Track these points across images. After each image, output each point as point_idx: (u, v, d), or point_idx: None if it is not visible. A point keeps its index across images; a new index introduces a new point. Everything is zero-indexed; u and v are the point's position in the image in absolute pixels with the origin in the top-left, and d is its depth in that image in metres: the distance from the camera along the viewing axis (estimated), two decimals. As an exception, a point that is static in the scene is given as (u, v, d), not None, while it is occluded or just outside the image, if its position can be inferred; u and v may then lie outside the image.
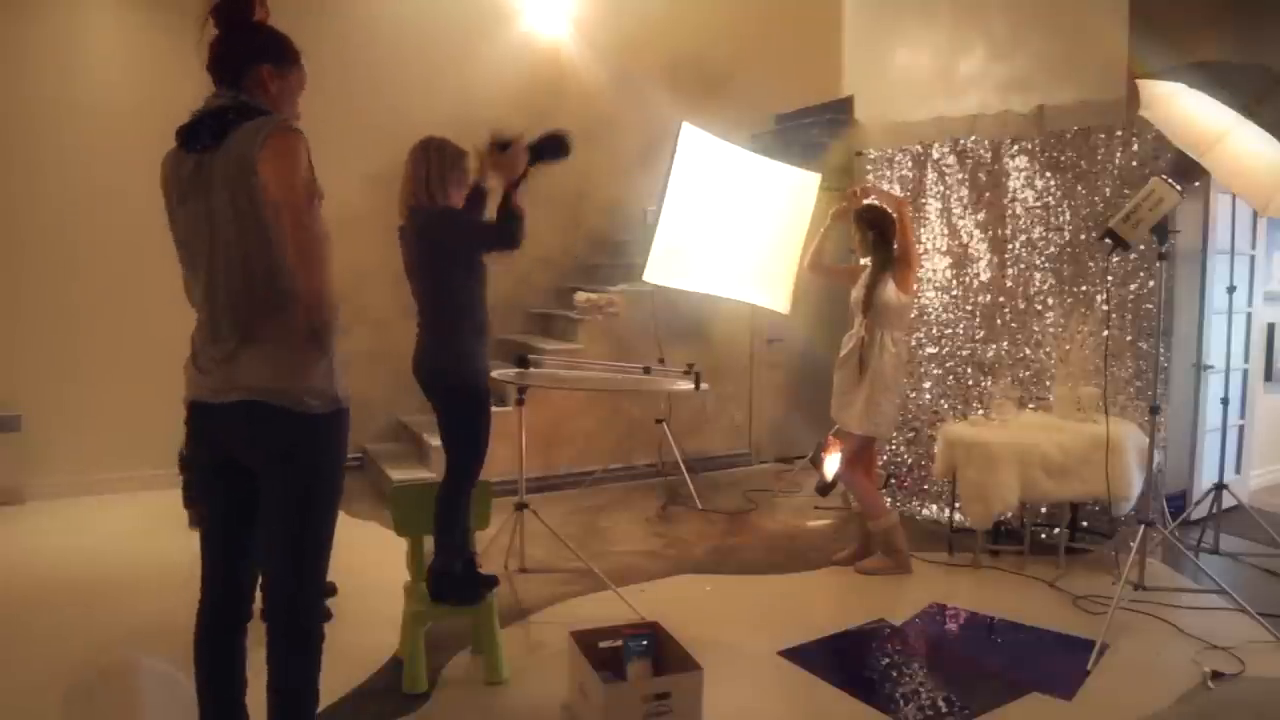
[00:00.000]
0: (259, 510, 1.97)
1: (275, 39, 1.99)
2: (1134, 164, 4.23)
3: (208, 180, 1.88)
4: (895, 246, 4.05)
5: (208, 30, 1.93)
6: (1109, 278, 4.30)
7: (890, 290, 3.98)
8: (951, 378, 4.84)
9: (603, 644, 2.72)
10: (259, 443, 1.91)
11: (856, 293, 4.12)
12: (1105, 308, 4.30)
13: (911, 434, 4.93)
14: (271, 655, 1.97)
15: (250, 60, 1.93)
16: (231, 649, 2.06)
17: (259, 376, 1.86)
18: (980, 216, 4.73)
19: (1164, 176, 3.32)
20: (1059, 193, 4.48)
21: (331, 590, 3.59)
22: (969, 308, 4.78)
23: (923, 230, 4.92)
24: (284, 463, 1.91)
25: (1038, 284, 4.56)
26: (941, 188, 4.87)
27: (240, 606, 2.05)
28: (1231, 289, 4.56)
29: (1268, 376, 5.58)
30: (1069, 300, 4.46)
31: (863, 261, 4.16)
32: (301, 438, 1.90)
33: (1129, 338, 4.27)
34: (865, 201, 4.16)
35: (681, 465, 5.37)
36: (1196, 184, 4.28)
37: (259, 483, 1.95)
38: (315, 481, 1.94)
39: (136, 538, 4.43)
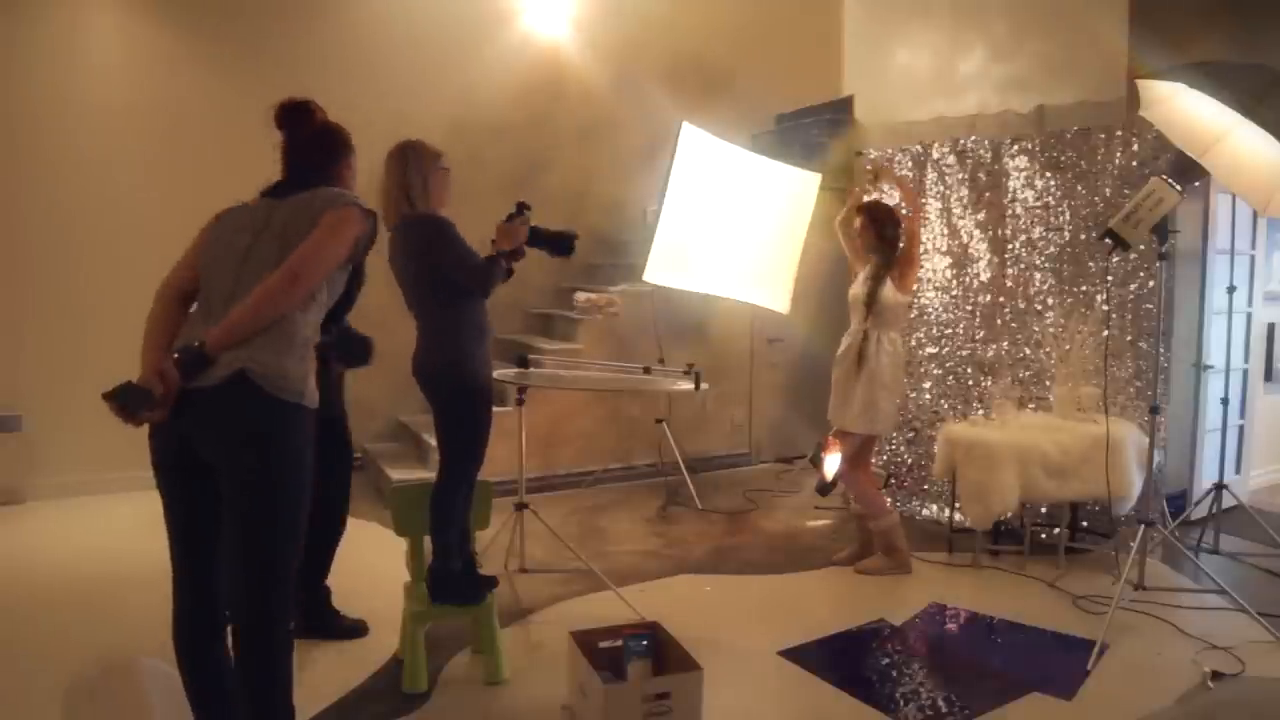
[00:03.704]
0: (224, 513, 1.96)
1: (342, 135, 2.42)
2: (1134, 164, 4.23)
3: (265, 219, 2.08)
4: (901, 245, 4.05)
5: (273, 131, 2.27)
6: (1109, 278, 4.30)
7: (890, 289, 3.98)
8: (951, 378, 4.84)
9: (603, 644, 2.71)
10: (228, 426, 1.91)
11: (856, 289, 4.12)
12: (1105, 308, 4.31)
13: (911, 434, 4.94)
14: (237, 661, 1.95)
15: (335, 160, 2.38)
16: (212, 655, 2.05)
17: (238, 356, 1.89)
18: (980, 216, 4.74)
19: (1164, 176, 3.32)
20: (1059, 193, 4.48)
21: (363, 630, 3.40)
22: (969, 308, 4.78)
23: (923, 230, 4.92)
24: (249, 447, 1.91)
25: (1038, 284, 4.56)
26: (941, 188, 4.87)
27: (215, 613, 2.03)
28: (1231, 289, 4.56)
29: (1268, 376, 5.58)
30: (1069, 300, 4.46)
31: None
32: (270, 421, 1.91)
33: (1129, 338, 4.27)
34: (869, 198, 4.16)
35: (681, 465, 5.37)
36: (1196, 184, 4.27)
37: (221, 479, 1.94)
38: (278, 472, 1.93)
39: (137, 538, 4.41)
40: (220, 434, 1.92)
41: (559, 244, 3.16)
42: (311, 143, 2.32)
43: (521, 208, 3.11)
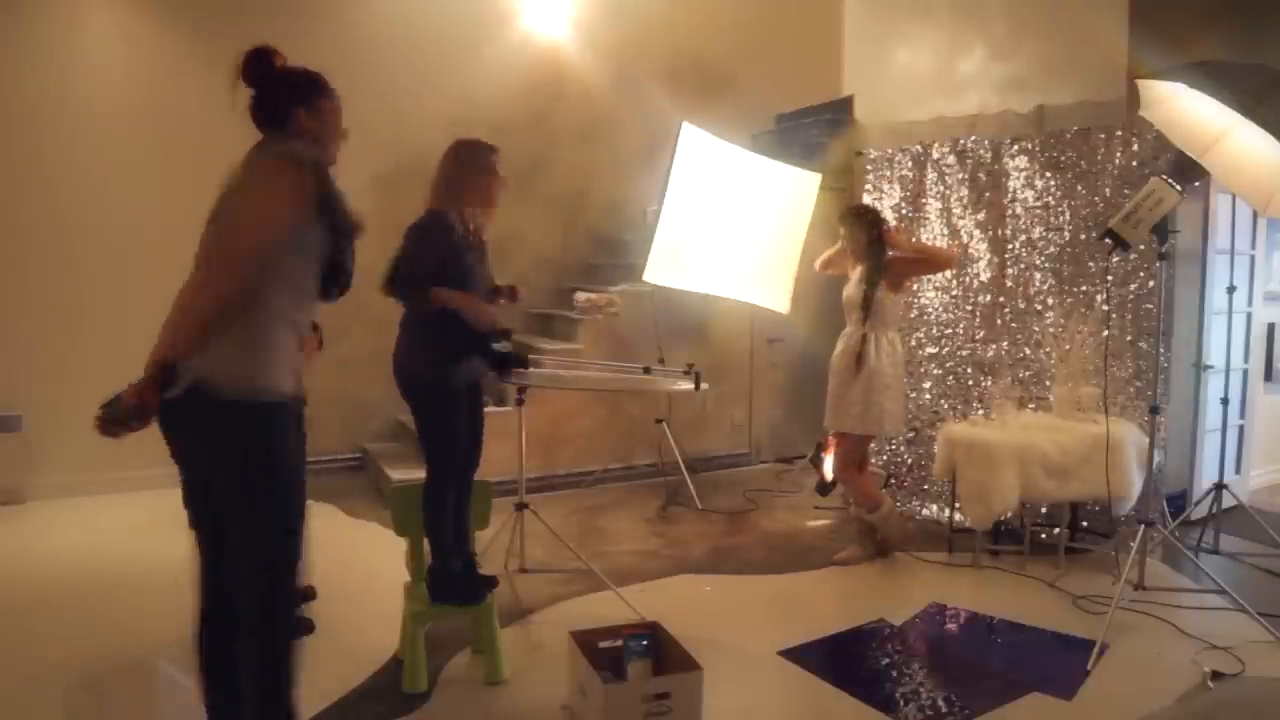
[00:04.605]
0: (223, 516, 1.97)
1: (300, 81, 2.12)
2: (1134, 164, 4.23)
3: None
4: (892, 251, 4.10)
5: (240, 88, 2.05)
6: (1109, 278, 4.30)
7: (884, 290, 4.01)
8: (951, 378, 4.84)
9: (603, 644, 2.71)
10: (197, 437, 1.93)
11: (850, 291, 4.14)
12: (1105, 308, 4.30)
13: (911, 434, 4.93)
14: (241, 659, 1.97)
15: (285, 108, 2.08)
16: (229, 655, 2.06)
17: (194, 367, 1.88)
18: (980, 216, 4.73)
19: (1164, 176, 3.32)
20: (1059, 193, 4.48)
21: (310, 594, 3.35)
22: (969, 308, 4.78)
23: (922, 230, 4.93)
24: (222, 454, 1.92)
25: (1038, 284, 4.56)
26: (941, 188, 4.87)
27: (231, 611, 2.04)
28: (1231, 289, 4.56)
29: (1268, 376, 5.58)
30: (1069, 300, 4.46)
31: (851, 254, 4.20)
32: (235, 426, 1.90)
33: (1129, 338, 4.27)
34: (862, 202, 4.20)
35: (681, 465, 5.37)
36: (1196, 184, 4.27)
37: (212, 484, 1.95)
38: (256, 474, 1.92)
39: (137, 538, 4.43)
40: (194, 444, 1.94)
41: (503, 365, 3.12)
42: (267, 90, 2.10)
43: (515, 292, 3.15)
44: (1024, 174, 4.58)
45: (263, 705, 1.95)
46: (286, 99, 2.08)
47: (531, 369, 4.10)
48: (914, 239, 4.76)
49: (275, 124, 2.07)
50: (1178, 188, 3.26)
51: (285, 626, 1.98)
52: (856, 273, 4.14)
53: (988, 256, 4.71)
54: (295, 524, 2.00)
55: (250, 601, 1.95)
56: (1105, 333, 4.28)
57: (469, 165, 3.03)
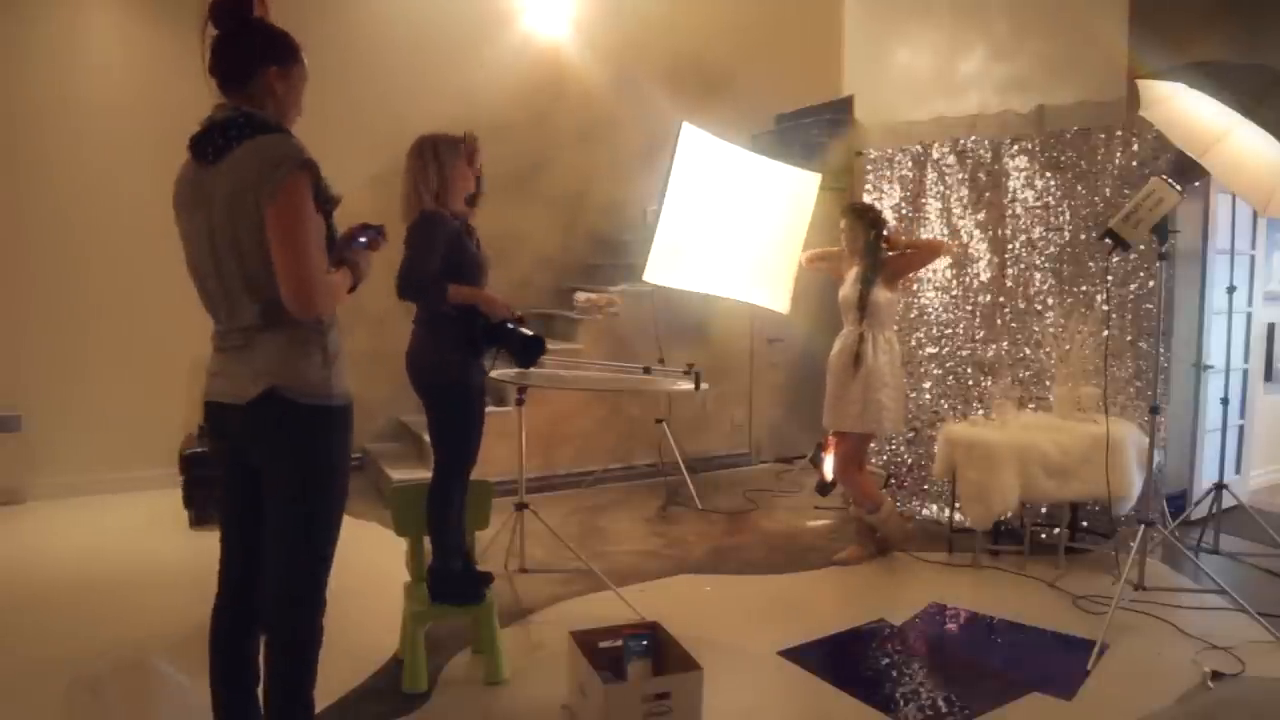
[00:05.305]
0: (266, 511, 2.00)
1: (276, 38, 1.98)
2: (1134, 164, 4.23)
3: (209, 196, 1.90)
4: (889, 251, 4.10)
5: (208, 30, 1.93)
6: (1109, 278, 4.30)
7: (879, 288, 4.02)
8: (951, 378, 4.84)
9: (603, 644, 2.72)
10: (260, 437, 1.96)
11: (846, 291, 4.15)
12: (1105, 308, 4.30)
13: (911, 434, 4.93)
14: (265, 656, 1.99)
15: (255, 64, 1.92)
16: (244, 644, 2.09)
17: (261, 373, 1.92)
18: (980, 216, 4.73)
19: (1164, 176, 3.32)
20: (1059, 193, 4.48)
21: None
22: (969, 308, 4.78)
23: (923, 230, 4.92)
24: (279, 456, 1.95)
25: (1038, 284, 4.56)
26: (941, 188, 4.87)
27: (253, 604, 2.06)
28: (1231, 289, 4.56)
29: (1268, 376, 5.58)
30: (1069, 300, 4.46)
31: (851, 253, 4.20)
32: (301, 429, 1.94)
33: (1129, 338, 4.27)
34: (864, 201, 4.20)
35: (681, 465, 5.37)
36: (1196, 184, 4.27)
37: (264, 481, 1.99)
38: (315, 475, 1.97)
39: (137, 538, 4.43)
40: (259, 445, 1.98)
41: (526, 350, 2.99)
42: (238, 37, 1.91)
43: (518, 321, 3.07)
44: (1024, 174, 4.58)
45: (282, 705, 1.97)
46: (260, 53, 1.92)
47: (532, 369, 4.10)
48: (911, 238, 4.76)
49: (240, 81, 1.91)
50: (1178, 188, 3.26)
51: (306, 630, 2.00)
52: (852, 273, 4.15)
53: (988, 256, 4.71)
54: (339, 521, 2.05)
55: (283, 601, 1.98)
56: (1105, 333, 4.28)
57: (449, 159, 3.00)
